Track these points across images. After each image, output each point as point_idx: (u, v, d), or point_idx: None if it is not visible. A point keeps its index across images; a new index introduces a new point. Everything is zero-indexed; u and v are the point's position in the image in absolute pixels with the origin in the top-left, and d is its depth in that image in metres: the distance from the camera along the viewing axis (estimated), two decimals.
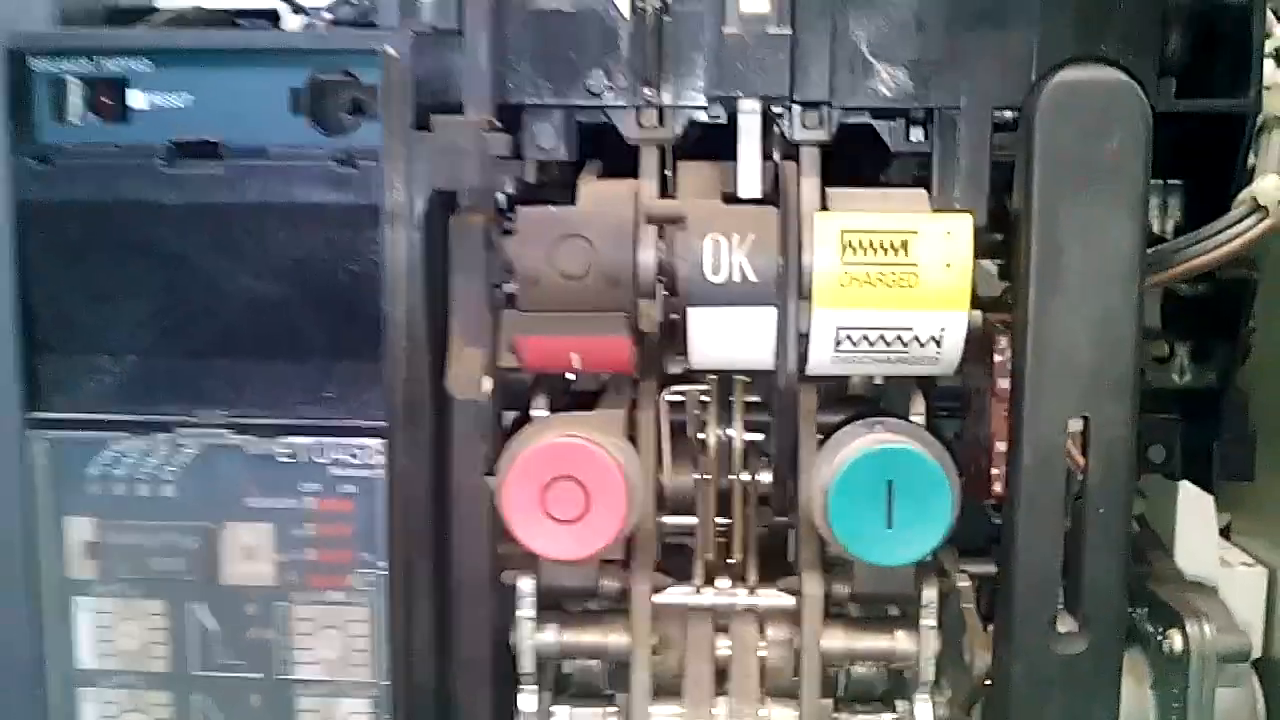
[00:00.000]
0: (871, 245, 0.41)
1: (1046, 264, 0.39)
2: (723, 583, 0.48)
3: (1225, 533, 0.61)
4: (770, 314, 0.42)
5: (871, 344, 0.42)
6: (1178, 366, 0.54)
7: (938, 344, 0.42)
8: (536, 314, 0.43)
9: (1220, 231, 0.44)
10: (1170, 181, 0.53)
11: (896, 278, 0.41)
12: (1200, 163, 0.49)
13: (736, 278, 0.42)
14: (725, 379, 0.49)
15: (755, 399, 0.49)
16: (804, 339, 0.43)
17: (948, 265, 0.41)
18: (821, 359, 0.42)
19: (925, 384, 0.47)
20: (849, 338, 0.42)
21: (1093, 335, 0.40)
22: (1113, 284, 0.39)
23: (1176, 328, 0.54)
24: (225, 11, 0.52)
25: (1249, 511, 0.59)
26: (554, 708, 0.47)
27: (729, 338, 0.43)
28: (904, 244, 0.41)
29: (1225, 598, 0.53)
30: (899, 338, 0.41)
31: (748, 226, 0.43)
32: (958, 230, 0.41)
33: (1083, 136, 0.39)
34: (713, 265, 0.42)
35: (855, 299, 0.41)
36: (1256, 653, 0.57)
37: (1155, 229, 0.54)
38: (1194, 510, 0.57)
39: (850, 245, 0.41)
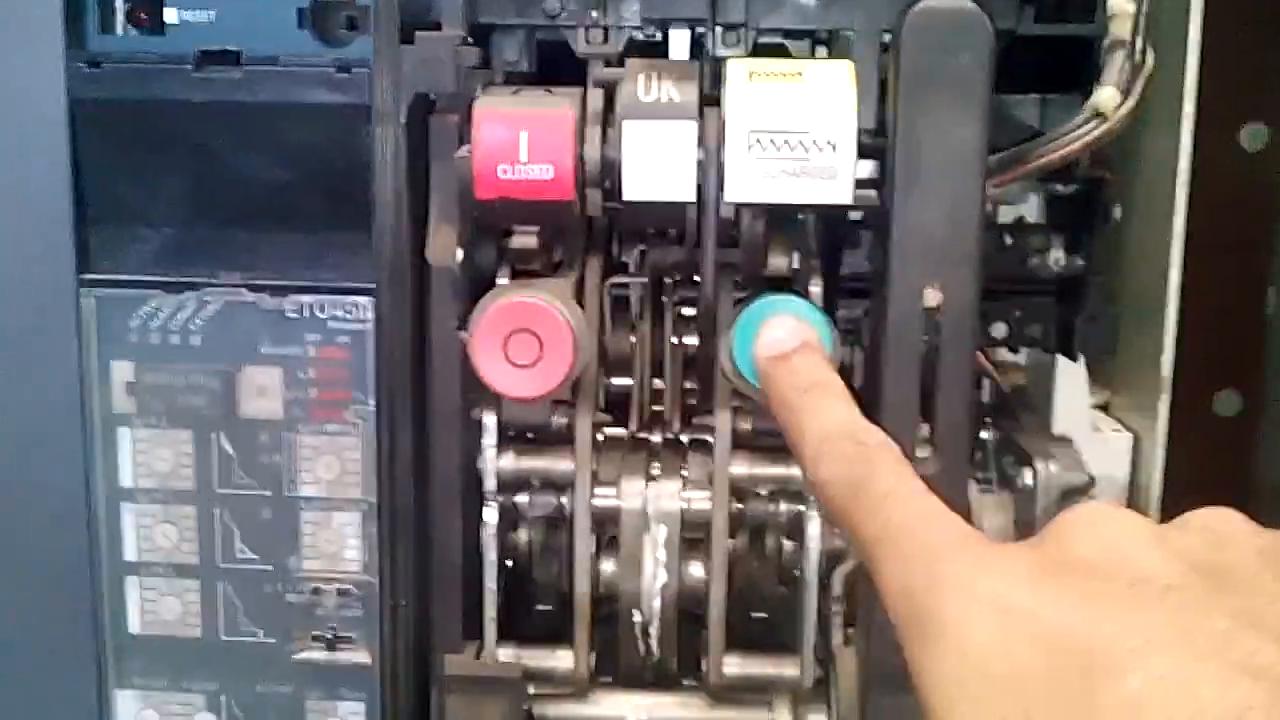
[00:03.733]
0: (772, 73, 0.48)
1: (906, 159, 0.47)
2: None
3: (1105, 408, 0.70)
4: (692, 128, 0.48)
5: (778, 148, 0.47)
6: (1054, 256, 0.60)
7: (833, 149, 0.47)
8: (498, 96, 0.50)
9: (1065, 135, 0.52)
10: (1048, 95, 0.61)
11: (790, 76, 0.48)
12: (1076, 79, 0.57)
13: (664, 99, 0.49)
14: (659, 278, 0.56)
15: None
16: (720, 165, 0.48)
17: (833, 81, 0.48)
18: (737, 173, 0.48)
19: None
20: (759, 141, 0.47)
21: (944, 217, 0.47)
22: (960, 176, 0.46)
23: (1053, 222, 0.61)
24: None
25: (1123, 387, 0.67)
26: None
27: (657, 155, 0.49)
28: (798, 72, 0.48)
29: (1097, 460, 0.60)
30: (800, 141, 0.47)
31: (676, 69, 0.50)
32: (840, 65, 0.49)
33: (937, 55, 0.46)
34: (644, 89, 0.49)
35: (760, 96, 0.47)
36: (1122, 504, 0.66)
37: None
38: (1067, 380, 0.65)
39: (756, 74, 0.48)
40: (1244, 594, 0.30)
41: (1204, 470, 0.82)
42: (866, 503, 0.36)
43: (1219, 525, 0.33)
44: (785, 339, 0.45)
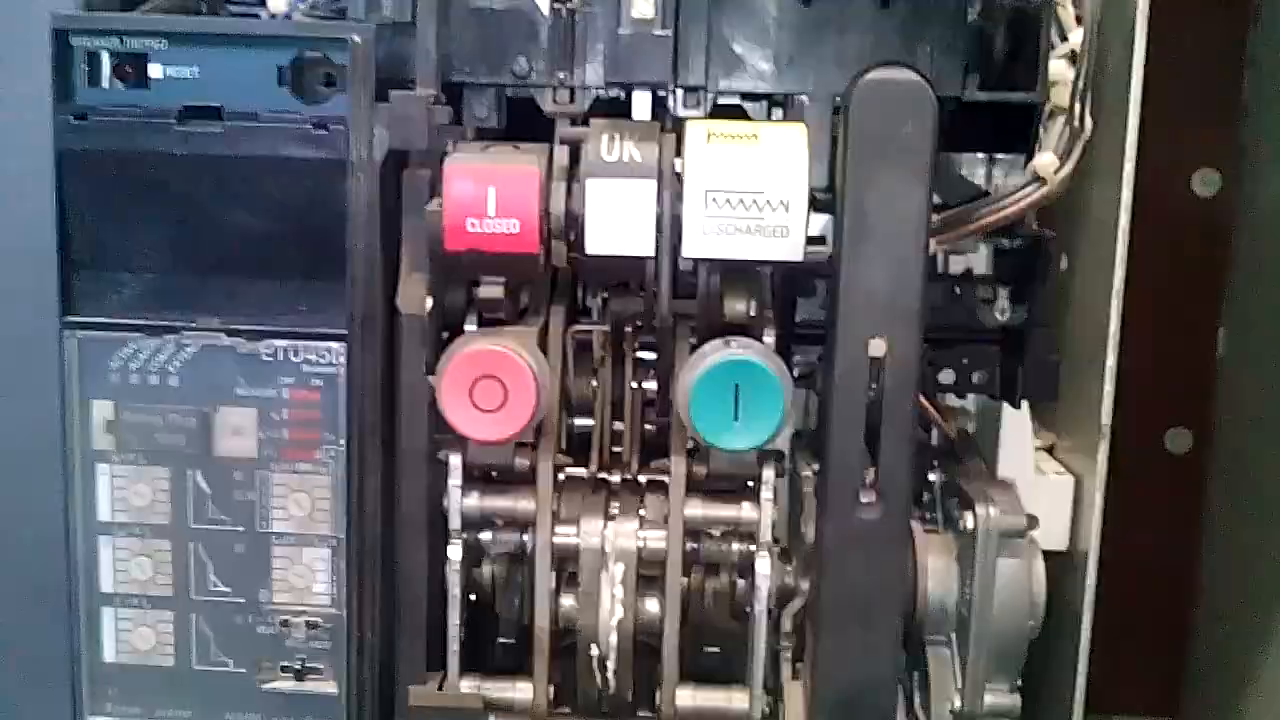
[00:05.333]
0: (729, 135, 0.51)
1: (854, 220, 0.49)
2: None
3: (1051, 450, 0.72)
4: (651, 186, 0.51)
5: (733, 207, 0.50)
6: (1000, 306, 0.62)
7: (786, 208, 0.50)
8: (468, 152, 0.52)
9: (1007, 197, 0.55)
10: (996, 155, 0.64)
11: (746, 138, 0.51)
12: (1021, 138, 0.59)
13: (625, 158, 0.51)
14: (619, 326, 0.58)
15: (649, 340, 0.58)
16: (678, 221, 0.51)
17: (787, 144, 0.50)
18: (694, 230, 0.51)
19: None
20: (714, 200, 0.50)
21: (889, 274, 0.49)
22: (905, 236, 0.49)
23: (1000, 274, 0.63)
24: None
25: (1068, 431, 0.70)
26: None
27: (618, 211, 0.51)
28: (754, 134, 0.51)
29: (1040, 502, 0.62)
30: (755, 201, 0.50)
31: (638, 129, 0.52)
32: (794, 129, 0.51)
33: (883, 123, 0.48)
34: (607, 149, 0.51)
35: (717, 156, 0.50)
36: (1063, 546, 0.68)
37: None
38: (1012, 425, 0.67)
39: (714, 135, 0.51)
40: None
41: (1155, 506, 0.85)
42: None
43: None
44: None
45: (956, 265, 0.66)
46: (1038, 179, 0.54)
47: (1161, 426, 0.90)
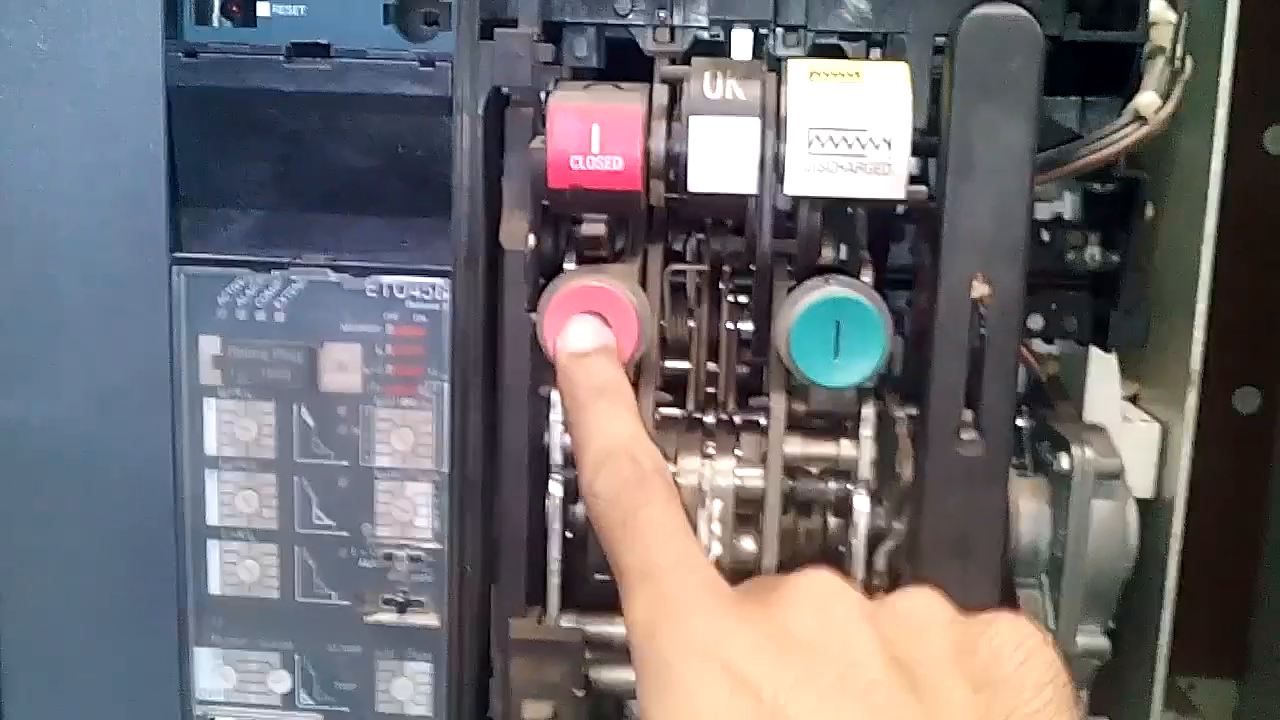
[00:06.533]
0: (831, 73, 0.51)
1: (959, 157, 0.49)
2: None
3: (1134, 400, 0.72)
4: (755, 124, 0.51)
5: (836, 145, 0.50)
6: (1089, 252, 0.63)
7: (888, 146, 0.49)
8: (571, 91, 0.52)
9: (1106, 136, 0.55)
10: (1088, 98, 0.64)
11: (849, 76, 0.50)
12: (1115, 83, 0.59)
13: (729, 95, 0.51)
14: (716, 267, 0.58)
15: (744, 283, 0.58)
16: (779, 159, 0.51)
17: (890, 82, 0.50)
18: (796, 168, 0.50)
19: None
20: (817, 137, 0.50)
21: (994, 212, 0.49)
22: (1010, 172, 0.49)
23: (1090, 219, 0.64)
24: None
25: (1152, 380, 0.70)
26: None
27: (721, 149, 0.51)
28: (856, 72, 0.51)
29: (1125, 449, 0.62)
30: (857, 139, 0.50)
31: (740, 67, 0.52)
32: (897, 67, 0.51)
33: (990, 59, 0.48)
34: (710, 87, 0.51)
35: (820, 94, 0.50)
36: (1148, 495, 0.68)
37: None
38: (1100, 372, 0.68)
39: (815, 73, 0.51)
40: (931, 695, 0.35)
41: (1223, 465, 0.84)
42: (633, 531, 0.39)
43: (920, 612, 0.38)
44: (586, 338, 0.48)
45: (1044, 212, 0.66)
46: (1139, 118, 0.54)
47: (1230, 386, 0.89)
